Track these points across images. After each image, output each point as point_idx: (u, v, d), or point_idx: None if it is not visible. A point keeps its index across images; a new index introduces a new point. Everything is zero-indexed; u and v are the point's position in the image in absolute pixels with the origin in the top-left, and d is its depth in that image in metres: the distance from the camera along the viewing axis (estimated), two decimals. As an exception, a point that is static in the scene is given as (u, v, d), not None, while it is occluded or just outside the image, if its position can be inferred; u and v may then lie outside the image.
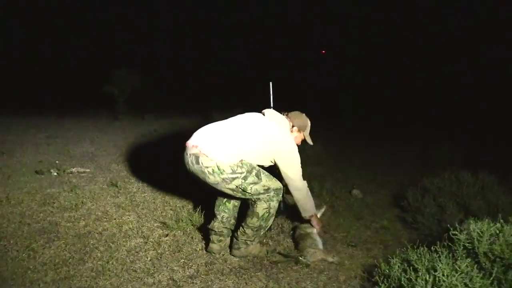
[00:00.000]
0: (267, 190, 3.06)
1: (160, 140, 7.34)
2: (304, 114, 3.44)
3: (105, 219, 3.85)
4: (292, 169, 3.20)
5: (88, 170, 5.40)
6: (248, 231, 3.20)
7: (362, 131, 9.60)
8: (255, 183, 3.02)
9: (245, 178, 2.98)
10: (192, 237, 3.60)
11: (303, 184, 3.31)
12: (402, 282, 2.31)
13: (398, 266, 2.51)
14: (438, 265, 2.20)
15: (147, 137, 7.58)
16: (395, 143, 8.29)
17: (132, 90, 9.71)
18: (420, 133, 8.99)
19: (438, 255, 2.43)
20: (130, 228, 3.71)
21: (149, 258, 3.21)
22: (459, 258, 2.30)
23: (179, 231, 3.68)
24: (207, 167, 2.95)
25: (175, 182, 4.77)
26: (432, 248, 2.57)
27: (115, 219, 3.88)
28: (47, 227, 3.60)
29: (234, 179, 2.96)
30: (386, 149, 7.82)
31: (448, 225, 2.63)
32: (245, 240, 3.25)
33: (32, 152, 6.02)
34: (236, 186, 3.00)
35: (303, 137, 3.45)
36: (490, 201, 3.81)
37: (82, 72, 11.14)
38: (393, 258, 2.69)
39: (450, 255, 2.39)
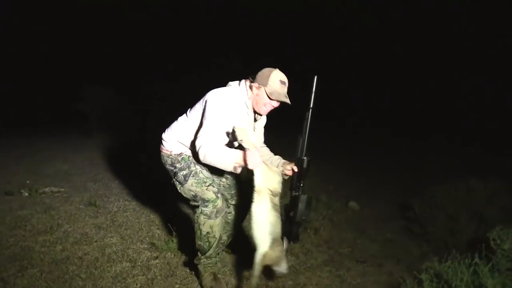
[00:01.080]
0: (194, 196, 2.74)
1: (138, 156, 6.91)
2: (273, 69, 2.74)
3: (84, 242, 3.44)
4: (204, 124, 2.62)
5: (63, 189, 4.96)
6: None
7: (348, 140, 9.36)
8: (180, 183, 2.79)
9: (175, 174, 2.83)
10: (185, 259, 3.23)
11: (208, 141, 2.56)
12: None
13: (430, 283, 2.21)
14: (485, 280, 1.91)
15: (124, 154, 7.14)
16: (384, 152, 8.08)
17: (105, 108, 9.21)
18: (410, 142, 8.80)
19: (473, 268, 2.15)
20: (114, 251, 3.31)
21: (138, 285, 2.82)
22: (503, 272, 2.04)
23: (169, 253, 3.30)
24: (161, 158, 2.95)
25: (159, 199, 4.40)
26: (466, 260, 2.29)
27: (96, 241, 3.47)
28: (19, 253, 3.16)
29: (173, 173, 2.85)
30: (375, 159, 7.60)
31: (487, 234, 2.36)
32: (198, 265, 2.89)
33: (0, 173, 5.51)
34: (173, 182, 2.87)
35: (267, 93, 2.69)
36: (503, 208, 3.60)
37: (51, 87, 10.55)
38: (420, 274, 2.38)
39: (492, 268, 2.11)
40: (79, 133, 9.11)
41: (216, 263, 2.87)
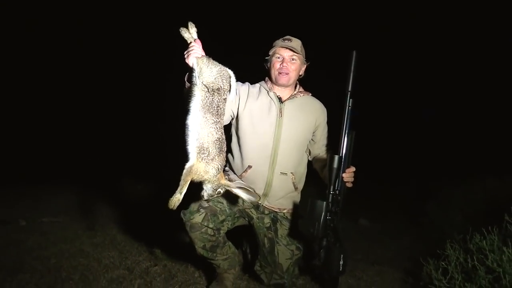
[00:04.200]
0: None
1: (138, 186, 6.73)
2: None
3: (80, 256, 3.23)
4: None
5: (61, 220, 4.77)
6: None
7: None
8: None
9: None
10: (187, 266, 3.01)
11: None
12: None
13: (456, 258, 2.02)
14: None
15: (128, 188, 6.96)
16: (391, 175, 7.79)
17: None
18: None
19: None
20: (111, 262, 3.10)
21: (136, 286, 2.61)
22: None
23: (170, 262, 3.09)
24: None
25: (161, 225, 4.19)
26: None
27: (93, 255, 3.26)
28: (10, 265, 2.95)
29: None
30: (382, 181, 7.32)
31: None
32: None
33: (-1, 207, 5.34)
34: None
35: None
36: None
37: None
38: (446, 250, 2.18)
39: None
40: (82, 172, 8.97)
41: (219, 265, 2.65)
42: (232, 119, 2.73)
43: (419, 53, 11.69)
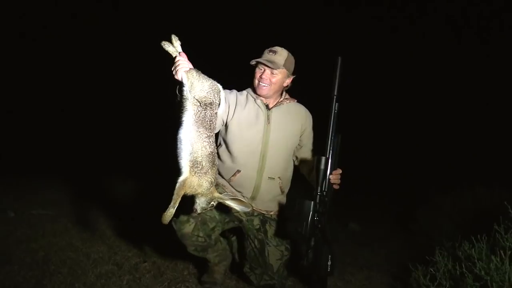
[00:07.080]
0: None
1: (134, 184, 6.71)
2: None
3: (69, 250, 3.21)
4: None
5: (50, 213, 4.74)
6: None
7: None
8: None
9: None
10: (176, 263, 3.01)
11: None
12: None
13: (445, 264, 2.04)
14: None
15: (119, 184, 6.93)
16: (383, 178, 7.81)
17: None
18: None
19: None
20: (100, 256, 3.09)
21: (125, 282, 2.60)
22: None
23: (159, 259, 3.08)
24: None
25: (153, 221, 4.17)
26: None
27: (82, 250, 3.25)
28: (-3, 256, 2.94)
29: None
30: (373, 186, 7.34)
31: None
32: None
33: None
34: None
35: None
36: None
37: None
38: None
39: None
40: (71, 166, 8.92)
41: (210, 260, 2.68)
42: (222, 126, 2.74)
43: (408, 61, 11.75)
